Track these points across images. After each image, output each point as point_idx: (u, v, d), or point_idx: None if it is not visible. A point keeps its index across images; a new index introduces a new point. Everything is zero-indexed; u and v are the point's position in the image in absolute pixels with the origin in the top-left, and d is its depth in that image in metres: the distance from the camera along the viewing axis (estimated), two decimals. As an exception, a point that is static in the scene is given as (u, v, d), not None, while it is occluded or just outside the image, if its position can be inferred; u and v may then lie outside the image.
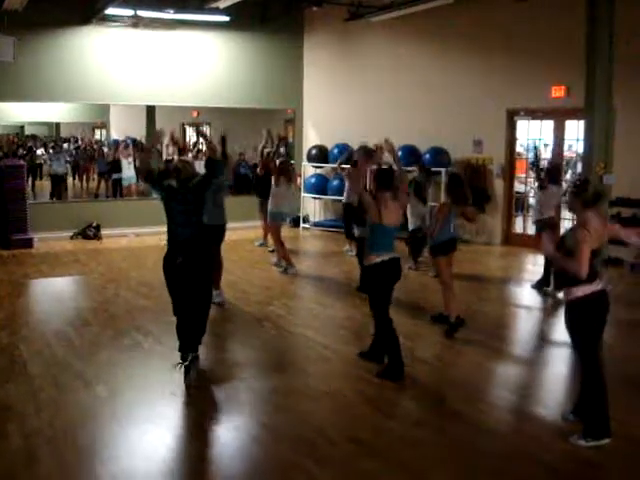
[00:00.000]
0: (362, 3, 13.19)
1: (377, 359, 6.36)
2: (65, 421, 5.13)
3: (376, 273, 6.16)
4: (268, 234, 11.77)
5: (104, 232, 13.66)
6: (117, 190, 15.87)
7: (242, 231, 13.17)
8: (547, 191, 9.02)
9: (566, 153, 12.71)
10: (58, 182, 16.08)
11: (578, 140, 11.49)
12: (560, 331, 7.85)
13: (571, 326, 4.86)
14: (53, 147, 17.48)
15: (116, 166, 16.06)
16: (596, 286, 4.74)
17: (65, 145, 18.32)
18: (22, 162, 13.82)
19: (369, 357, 6.46)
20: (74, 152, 17.78)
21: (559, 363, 6.77)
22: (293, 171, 11.02)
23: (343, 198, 12.04)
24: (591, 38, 7.74)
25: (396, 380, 6.00)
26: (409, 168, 10.91)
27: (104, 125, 19.40)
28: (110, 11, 12.62)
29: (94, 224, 13.63)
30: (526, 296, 9.38)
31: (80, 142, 18.64)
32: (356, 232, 9.00)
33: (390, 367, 6.10)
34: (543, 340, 7.60)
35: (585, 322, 4.79)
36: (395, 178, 6.23)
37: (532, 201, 9.52)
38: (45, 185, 16.50)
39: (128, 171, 16.10)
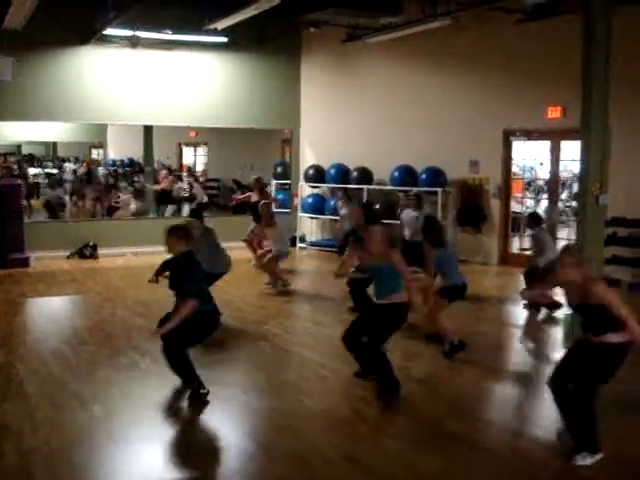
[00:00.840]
0: (359, 25, 13.29)
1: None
2: (61, 440, 5.11)
3: (400, 312, 6.16)
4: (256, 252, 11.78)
5: (101, 251, 13.64)
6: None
7: (238, 251, 13.16)
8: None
9: (562, 173, 12.76)
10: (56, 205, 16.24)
11: (574, 160, 11.56)
12: (555, 350, 7.88)
13: (595, 367, 4.82)
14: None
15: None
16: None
17: (66, 164, 18.41)
18: (19, 181, 13.85)
19: (365, 376, 6.44)
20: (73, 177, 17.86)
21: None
22: (268, 212, 10.88)
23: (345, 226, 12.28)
24: (587, 59, 7.78)
25: (394, 391, 6.02)
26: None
27: (101, 145, 19.50)
28: (109, 31, 12.70)
29: (91, 243, 13.62)
30: (523, 316, 9.37)
31: (80, 165, 18.71)
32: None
33: (385, 384, 6.11)
34: (539, 360, 7.59)
35: (611, 367, 4.80)
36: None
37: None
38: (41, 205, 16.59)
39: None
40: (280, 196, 15.50)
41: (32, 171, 18.52)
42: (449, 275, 7.43)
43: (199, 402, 5.87)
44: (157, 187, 16.25)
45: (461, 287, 7.47)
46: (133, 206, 15.86)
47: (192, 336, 5.96)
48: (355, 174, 14.17)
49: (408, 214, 11.07)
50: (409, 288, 6.14)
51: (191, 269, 5.98)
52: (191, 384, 5.92)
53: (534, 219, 9.48)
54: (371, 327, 6.22)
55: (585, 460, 4.72)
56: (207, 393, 5.87)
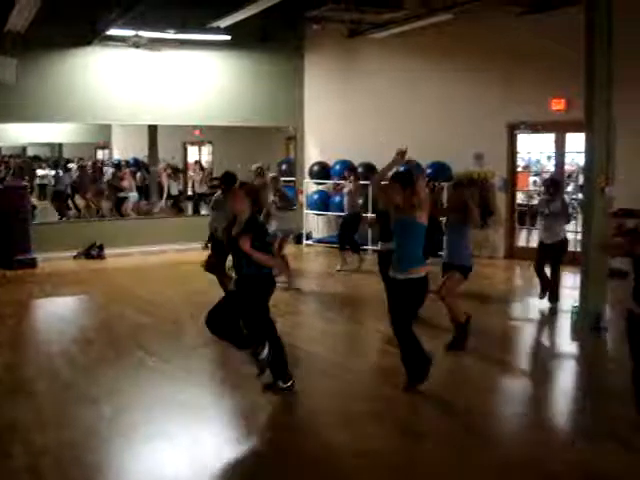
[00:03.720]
0: (362, 20, 13.27)
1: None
2: (71, 439, 5.12)
3: (424, 286, 5.90)
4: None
5: (108, 251, 13.67)
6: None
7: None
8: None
9: (567, 166, 12.74)
10: (61, 200, 16.29)
11: (579, 153, 11.53)
12: (565, 344, 7.87)
13: None
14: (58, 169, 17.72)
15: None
16: None
17: (70, 165, 18.47)
18: (25, 183, 13.89)
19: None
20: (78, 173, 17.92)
21: (564, 375, 6.76)
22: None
23: (345, 210, 12.49)
24: (590, 51, 7.76)
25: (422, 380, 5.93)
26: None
27: (106, 145, 19.52)
28: (112, 32, 12.71)
29: (97, 244, 13.65)
30: (530, 309, 9.38)
31: (84, 163, 18.73)
32: (381, 246, 8.27)
33: (419, 369, 5.96)
34: (548, 352, 7.60)
35: None
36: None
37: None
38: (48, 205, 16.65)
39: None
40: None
41: (40, 172, 18.55)
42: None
43: (208, 397, 5.89)
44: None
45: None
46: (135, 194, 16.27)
47: (264, 301, 5.88)
48: (360, 169, 14.15)
49: None
50: None
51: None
52: (256, 349, 5.88)
53: (556, 184, 9.38)
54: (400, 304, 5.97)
55: None
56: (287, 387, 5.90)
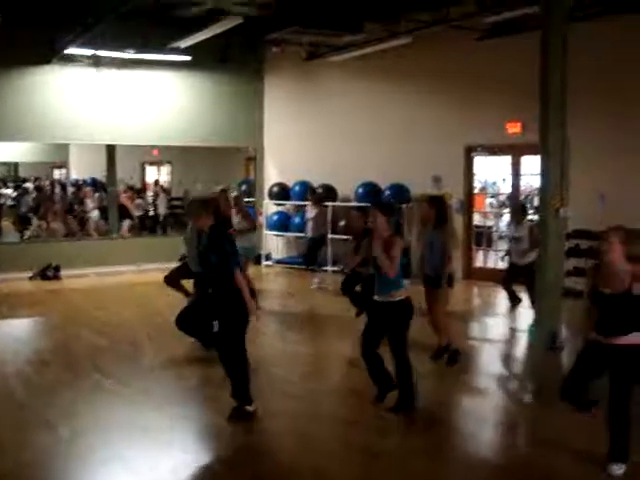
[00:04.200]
0: (321, 43, 13.40)
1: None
2: (27, 462, 5.02)
3: (408, 309, 6.01)
4: None
5: (64, 272, 13.48)
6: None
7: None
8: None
9: (523, 188, 12.96)
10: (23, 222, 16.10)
11: (534, 175, 11.75)
12: (521, 362, 7.96)
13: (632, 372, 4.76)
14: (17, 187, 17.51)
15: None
16: None
17: (27, 184, 18.26)
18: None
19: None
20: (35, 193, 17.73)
21: (518, 392, 6.85)
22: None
23: (308, 233, 12.68)
24: (545, 75, 7.94)
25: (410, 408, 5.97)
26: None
27: (64, 165, 19.31)
28: (71, 51, 12.63)
29: (53, 264, 13.46)
30: (489, 328, 9.49)
31: (40, 183, 18.55)
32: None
33: (404, 398, 6.01)
34: (504, 371, 7.68)
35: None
36: None
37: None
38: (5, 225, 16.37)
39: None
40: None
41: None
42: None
43: (165, 419, 5.83)
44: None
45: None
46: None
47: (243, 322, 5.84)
48: (319, 191, 14.21)
49: None
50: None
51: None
52: (243, 399, 5.81)
53: (524, 209, 9.71)
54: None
55: (620, 469, 4.70)
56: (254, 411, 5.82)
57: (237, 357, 5.83)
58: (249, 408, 5.84)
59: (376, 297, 6.07)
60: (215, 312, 5.91)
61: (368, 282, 7.91)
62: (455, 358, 7.42)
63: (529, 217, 10.15)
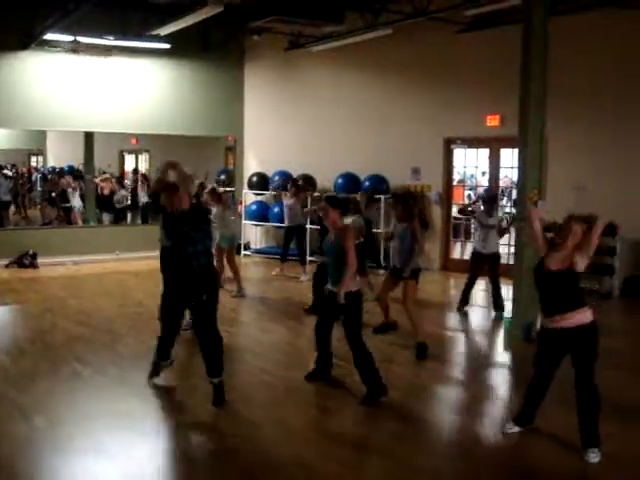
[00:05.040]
0: (302, 33, 13.37)
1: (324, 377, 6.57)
2: (4, 452, 5.01)
3: (359, 298, 6.22)
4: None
5: (41, 260, 13.38)
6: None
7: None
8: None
9: (502, 181, 13.04)
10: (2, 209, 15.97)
11: (512, 168, 11.84)
12: (497, 354, 8.05)
13: (592, 349, 4.96)
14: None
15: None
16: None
17: (6, 171, 18.06)
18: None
19: (315, 378, 6.58)
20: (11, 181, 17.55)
21: (494, 382, 6.93)
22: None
23: (285, 222, 12.73)
24: (525, 68, 8.00)
25: (380, 397, 6.08)
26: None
27: (41, 152, 19.12)
28: (49, 36, 12.48)
29: (30, 252, 13.35)
30: (465, 319, 9.58)
31: (18, 170, 18.38)
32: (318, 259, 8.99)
33: (373, 388, 6.12)
34: (480, 361, 7.76)
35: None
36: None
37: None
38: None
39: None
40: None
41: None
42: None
43: (145, 409, 5.84)
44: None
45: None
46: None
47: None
48: (300, 182, 14.20)
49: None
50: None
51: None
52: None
53: (495, 199, 10.13)
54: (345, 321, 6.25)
55: (596, 457, 4.85)
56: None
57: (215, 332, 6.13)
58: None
59: (331, 287, 6.26)
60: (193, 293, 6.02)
61: (319, 272, 8.63)
62: (424, 353, 7.50)
63: (502, 209, 10.38)
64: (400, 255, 7.80)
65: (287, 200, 12.75)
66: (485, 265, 9.54)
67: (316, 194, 13.32)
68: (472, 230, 13.58)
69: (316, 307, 8.51)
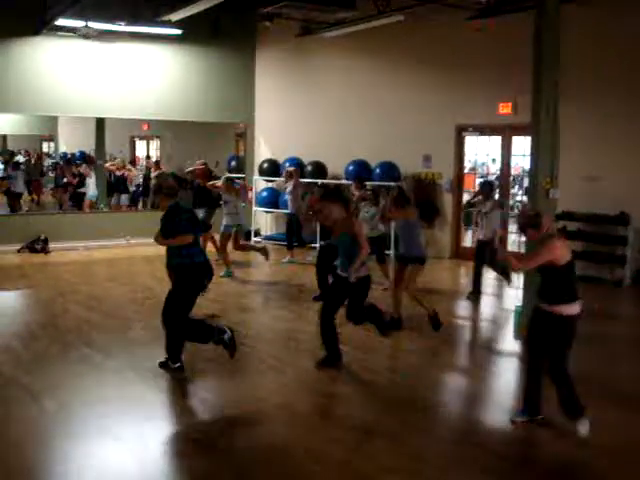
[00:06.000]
0: (314, 19, 13.31)
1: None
2: (15, 436, 5.05)
3: (367, 283, 6.53)
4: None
5: (53, 245, 13.44)
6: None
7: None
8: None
9: (513, 169, 12.99)
10: (15, 197, 16.05)
11: (524, 156, 11.78)
12: (507, 342, 8.04)
13: (556, 339, 5.11)
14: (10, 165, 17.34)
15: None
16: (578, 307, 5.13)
17: (18, 157, 18.13)
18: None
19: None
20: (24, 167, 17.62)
21: (503, 371, 6.92)
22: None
23: (289, 209, 12.80)
24: (538, 56, 7.92)
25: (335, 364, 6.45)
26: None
27: (52, 138, 19.17)
28: (61, 22, 12.47)
29: (42, 237, 13.41)
30: (475, 308, 9.56)
31: (30, 155, 18.45)
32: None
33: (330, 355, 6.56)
34: (491, 349, 7.75)
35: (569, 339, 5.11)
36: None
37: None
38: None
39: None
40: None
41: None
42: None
43: (154, 394, 5.88)
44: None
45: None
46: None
47: (190, 293, 6.31)
48: (309, 168, 14.20)
49: (365, 210, 11.11)
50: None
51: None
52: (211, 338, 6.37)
53: (491, 186, 10.28)
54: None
55: (584, 426, 5.02)
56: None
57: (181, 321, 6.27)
58: (173, 365, 6.30)
59: (341, 273, 6.52)
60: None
61: (321, 255, 9.06)
62: (437, 324, 7.83)
63: (496, 195, 10.55)
64: (403, 243, 8.06)
65: (288, 187, 12.84)
66: (484, 250, 9.68)
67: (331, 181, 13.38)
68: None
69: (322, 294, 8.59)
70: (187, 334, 6.34)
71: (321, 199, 6.70)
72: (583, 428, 5.02)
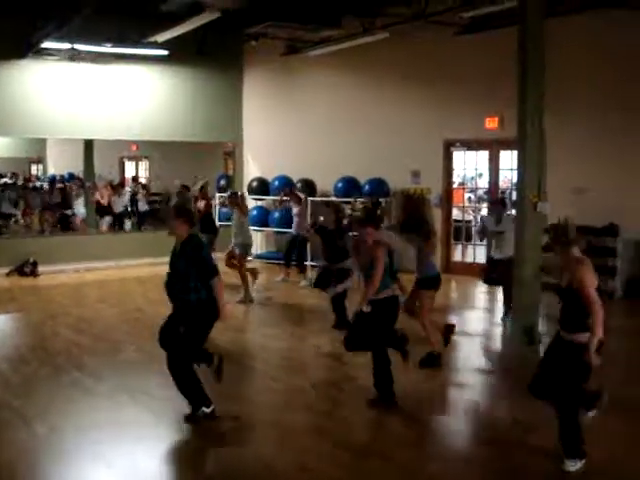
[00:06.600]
0: (299, 38, 13.37)
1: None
2: (4, 459, 4.99)
3: (393, 304, 6.21)
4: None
5: (42, 269, 13.36)
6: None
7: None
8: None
9: (501, 183, 13.03)
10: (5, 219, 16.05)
11: (512, 170, 11.83)
12: (500, 355, 8.02)
13: (574, 368, 4.75)
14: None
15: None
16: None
17: (5, 180, 18.10)
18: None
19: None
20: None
21: (497, 383, 6.91)
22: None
23: (292, 230, 12.81)
24: (523, 70, 7.99)
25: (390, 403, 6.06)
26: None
27: (40, 160, 19.16)
28: (47, 45, 12.48)
29: (31, 260, 13.34)
30: (466, 322, 9.55)
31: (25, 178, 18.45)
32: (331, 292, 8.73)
33: (385, 395, 6.11)
34: (483, 363, 7.74)
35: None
36: None
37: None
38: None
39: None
40: (225, 209, 15.40)
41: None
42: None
43: (148, 416, 5.82)
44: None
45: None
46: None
47: (201, 333, 5.74)
48: (299, 185, 14.20)
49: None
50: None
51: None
52: (197, 408, 5.69)
53: (504, 203, 9.92)
54: (371, 326, 6.14)
55: (573, 466, 4.74)
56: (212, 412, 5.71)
57: (188, 366, 5.73)
58: (206, 410, 5.72)
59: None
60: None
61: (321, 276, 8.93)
62: (431, 362, 7.35)
63: (509, 211, 10.08)
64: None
65: (294, 209, 12.82)
66: (500, 269, 9.16)
67: (319, 199, 13.39)
68: (473, 233, 13.57)
69: (340, 322, 8.46)
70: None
71: (359, 224, 6.42)
72: (573, 468, 4.73)
